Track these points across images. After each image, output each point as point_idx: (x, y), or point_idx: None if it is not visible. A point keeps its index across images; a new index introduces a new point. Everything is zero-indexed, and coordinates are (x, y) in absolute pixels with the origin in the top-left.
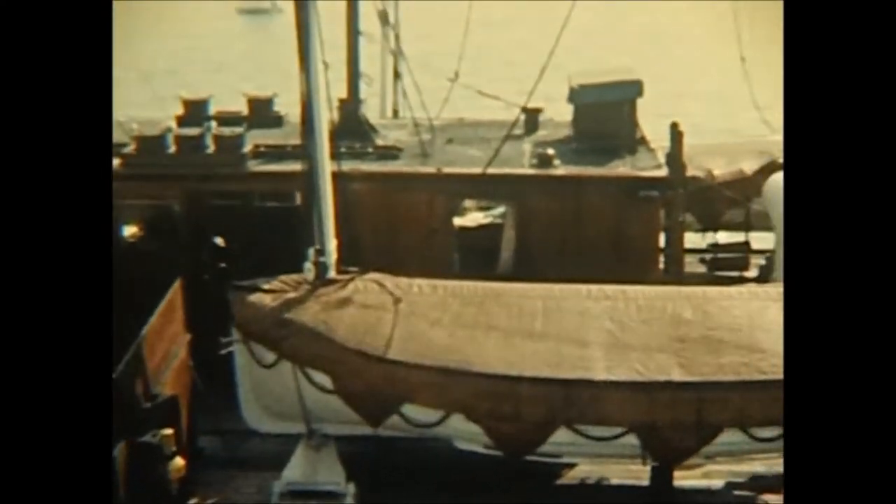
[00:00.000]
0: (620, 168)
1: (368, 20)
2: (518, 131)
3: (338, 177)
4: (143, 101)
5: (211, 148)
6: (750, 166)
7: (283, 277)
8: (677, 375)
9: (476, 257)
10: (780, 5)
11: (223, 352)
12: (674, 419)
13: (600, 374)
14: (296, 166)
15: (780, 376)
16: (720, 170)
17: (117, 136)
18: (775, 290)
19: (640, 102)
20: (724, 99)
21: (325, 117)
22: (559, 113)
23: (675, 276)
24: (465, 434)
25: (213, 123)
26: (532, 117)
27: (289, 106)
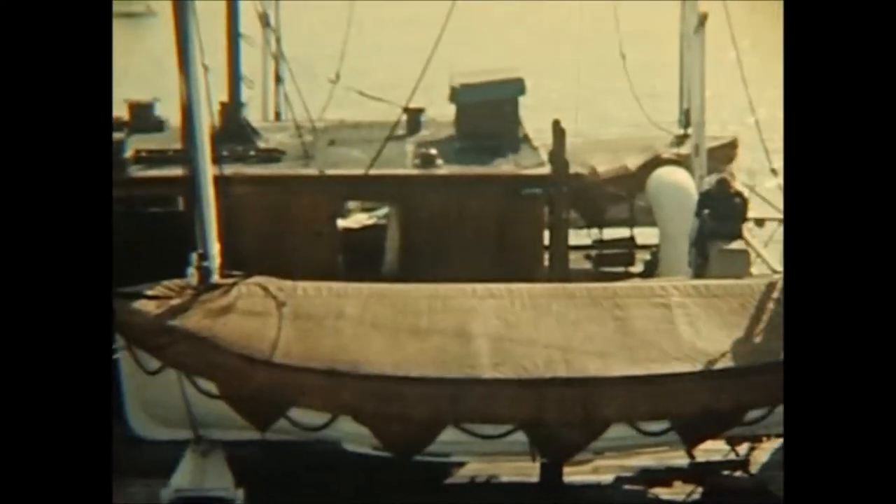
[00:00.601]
0: (503, 167)
1: (249, 22)
2: (400, 132)
3: (220, 181)
4: None
5: None
6: (633, 162)
7: (167, 283)
8: (563, 372)
9: (361, 259)
10: (657, 4)
11: None
12: (561, 415)
13: (487, 373)
14: (177, 171)
15: (666, 370)
16: (604, 166)
17: None
18: (659, 284)
19: (524, 101)
20: (608, 96)
21: (206, 121)
22: (443, 113)
23: (560, 273)
24: (353, 436)
25: None
26: (414, 117)
27: (169, 110)
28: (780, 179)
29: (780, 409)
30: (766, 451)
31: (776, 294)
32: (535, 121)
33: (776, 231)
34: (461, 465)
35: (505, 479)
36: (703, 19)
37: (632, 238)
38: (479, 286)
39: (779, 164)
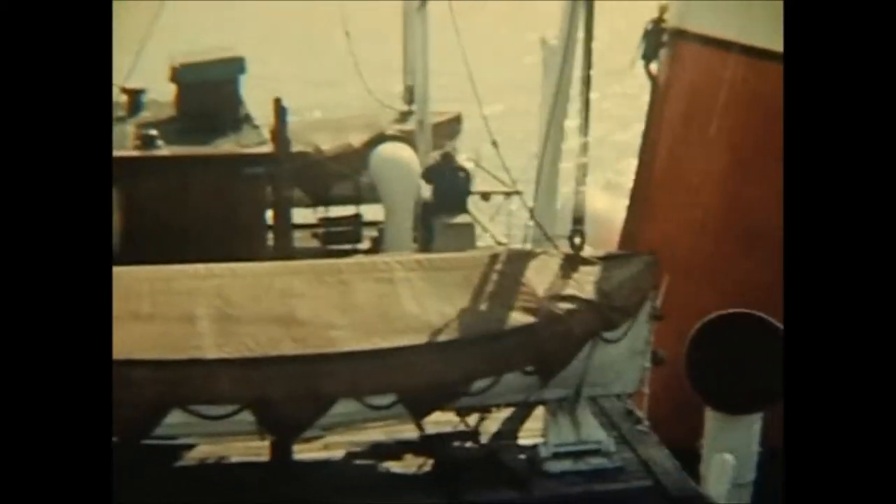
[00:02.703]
0: (224, 146)
1: None
2: (121, 113)
3: None
4: None
5: None
6: (358, 139)
7: None
8: (288, 349)
9: None
10: None
11: None
12: (287, 393)
13: (211, 353)
14: None
15: (390, 344)
16: (328, 144)
17: None
18: (383, 259)
19: (247, 80)
20: (331, 75)
21: None
22: (164, 93)
23: (284, 251)
24: None
25: None
26: (134, 98)
27: None
28: (500, 151)
29: (505, 378)
30: (495, 420)
31: (499, 266)
32: (257, 99)
33: (502, 204)
34: (190, 447)
35: (235, 459)
36: None
37: (358, 215)
38: (201, 266)
39: (498, 136)
